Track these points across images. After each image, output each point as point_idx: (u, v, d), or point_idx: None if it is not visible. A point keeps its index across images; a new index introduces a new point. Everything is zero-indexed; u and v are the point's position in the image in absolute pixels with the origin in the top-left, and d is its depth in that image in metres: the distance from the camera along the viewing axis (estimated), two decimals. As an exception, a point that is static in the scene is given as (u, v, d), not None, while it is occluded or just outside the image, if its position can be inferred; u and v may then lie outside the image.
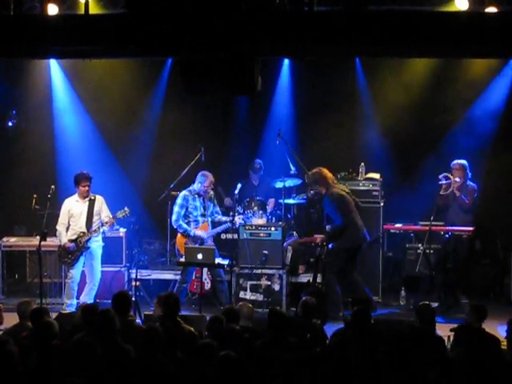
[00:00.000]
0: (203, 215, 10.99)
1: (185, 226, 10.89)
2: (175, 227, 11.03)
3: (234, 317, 7.30)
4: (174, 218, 10.98)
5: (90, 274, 10.51)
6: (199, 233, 10.88)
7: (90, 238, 10.40)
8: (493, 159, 11.92)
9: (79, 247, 10.38)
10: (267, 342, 6.65)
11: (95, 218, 10.49)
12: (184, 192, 10.98)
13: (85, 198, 10.50)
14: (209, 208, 11.00)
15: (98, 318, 6.76)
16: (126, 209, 10.51)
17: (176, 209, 10.95)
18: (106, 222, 10.45)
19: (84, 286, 10.58)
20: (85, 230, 10.42)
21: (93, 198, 10.53)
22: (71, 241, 10.39)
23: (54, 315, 8.17)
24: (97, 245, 10.54)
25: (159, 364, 6.10)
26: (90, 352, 6.03)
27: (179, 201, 10.95)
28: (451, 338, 7.38)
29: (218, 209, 11.23)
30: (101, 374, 5.97)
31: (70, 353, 6.09)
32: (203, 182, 10.89)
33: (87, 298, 10.35)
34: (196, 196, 10.94)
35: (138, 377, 5.91)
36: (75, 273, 10.43)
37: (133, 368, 6.01)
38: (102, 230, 10.54)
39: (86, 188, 10.44)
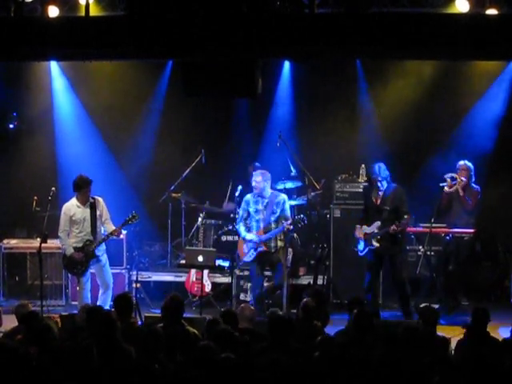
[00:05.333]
0: (263, 220, 10.57)
1: (241, 229, 10.61)
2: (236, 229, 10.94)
3: (232, 319, 7.28)
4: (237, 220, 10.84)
5: (103, 281, 10.18)
6: (250, 237, 10.51)
7: (97, 247, 10.07)
8: (494, 161, 11.93)
9: (88, 257, 10.04)
10: (267, 346, 6.64)
11: (98, 223, 10.16)
12: (248, 195, 10.69)
13: (86, 202, 10.18)
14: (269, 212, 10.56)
15: (99, 320, 6.74)
16: (134, 213, 10.12)
17: (240, 212, 10.78)
18: (115, 231, 10.09)
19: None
20: (91, 238, 10.10)
21: (92, 200, 10.17)
22: (77, 249, 10.08)
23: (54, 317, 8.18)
24: (102, 251, 10.21)
25: (160, 366, 6.10)
26: (88, 355, 6.02)
27: (242, 204, 10.71)
28: (452, 341, 7.37)
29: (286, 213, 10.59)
30: (99, 376, 5.96)
31: (69, 355, 6.08)
32: (252, 178, 10.62)
33: (105, 305, 9.85)
34: (259, 199, 10.58)
35: (137, 379, 5.90)
36: (86, 280, 10.13)
37: (133, 370, 6.00)
38: (109, 239, 10.19)
39: (88, 193, 10.11)
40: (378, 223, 10.16)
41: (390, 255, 10.24)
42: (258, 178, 10.49)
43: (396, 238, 10.17)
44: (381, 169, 10.31)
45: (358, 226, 10.42)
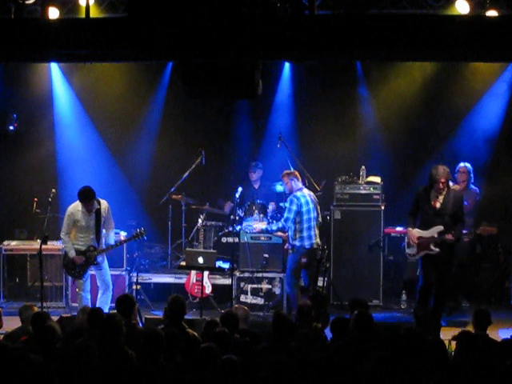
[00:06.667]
0: None
1: None
2: None
3: (233, 321, 7.27)
4: None
5: (102, 282, 10.19)
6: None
7: (99, 254, 10.08)
8: (494, 163, 11.94)
9: (88, 262, 10.06)
10: (268, 347, 6.64)
11: (102, 228, 10.17)
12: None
13: (91, 209, 10.08)
14: None
15: (104, 321, 6.72)
16: (142, 230, 10.20)
17: None
18: (120, 243, 10.17)
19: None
20: (95, 244, 10.09)
21: (98, 206, 10.10)
22: (80, 252, 10.06)
23: (54, 319, 8.16)
24: (102, 256, 10.22)
25: (160, 368, 6.09)
26: (90, 357, 6.02)
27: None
28: (451, 343, 7.37)
29: None
30: (100, 378, 5.96)
31: (70, 357, 6.08)
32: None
33: (105, 306, 9.93)
34: None
35: (138, 381, 5.90)
36: (85, 282, 10.15)
37: (133, 373, 5.99)
38: (112, 249, 10.25)
39: (93, 204, 10.04)
40: (439, 228, 9.66)
41: (444, 262, 9.78)
42: None
43: (451, 244, 9.77)
44: (445, 171, 9.83)
45: (409, 228, 9.95)
